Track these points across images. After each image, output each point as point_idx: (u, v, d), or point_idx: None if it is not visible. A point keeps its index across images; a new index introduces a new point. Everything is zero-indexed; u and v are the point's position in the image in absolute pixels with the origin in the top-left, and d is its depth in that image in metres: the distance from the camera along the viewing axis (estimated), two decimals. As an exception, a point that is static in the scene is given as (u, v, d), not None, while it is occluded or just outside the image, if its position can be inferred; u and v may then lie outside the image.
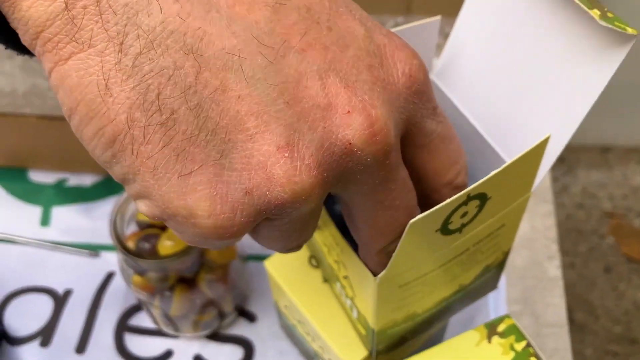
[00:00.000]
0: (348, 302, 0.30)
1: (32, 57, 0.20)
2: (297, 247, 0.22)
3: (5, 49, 0.20)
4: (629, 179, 1.16)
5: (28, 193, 0.49)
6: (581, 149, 1.18)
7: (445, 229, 0.23)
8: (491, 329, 0.29)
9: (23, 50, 0.20)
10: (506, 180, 0.23)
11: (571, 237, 1.11)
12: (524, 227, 0.46)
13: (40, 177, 0.50)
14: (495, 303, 0.43)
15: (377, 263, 0.24)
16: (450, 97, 0.29)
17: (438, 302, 0.29)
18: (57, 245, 0.46)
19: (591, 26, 0.23)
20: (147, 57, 0.17)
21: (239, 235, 0.19)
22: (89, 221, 0.48)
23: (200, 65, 0.17)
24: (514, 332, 0.29)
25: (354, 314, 0.30)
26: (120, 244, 0.36)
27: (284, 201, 0.18)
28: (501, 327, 0.30)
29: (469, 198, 0.22)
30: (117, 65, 0.17)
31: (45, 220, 0.48)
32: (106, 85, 0.17)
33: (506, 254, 0.30)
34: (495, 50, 0.27)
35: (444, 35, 0.46)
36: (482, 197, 0.23)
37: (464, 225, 0.24)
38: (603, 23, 0.22)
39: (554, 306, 0.43)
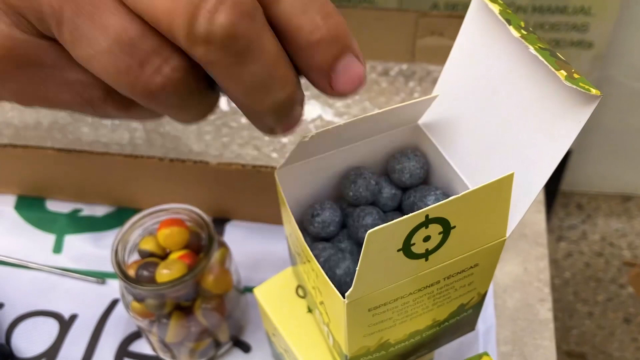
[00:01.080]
0: (325, 329, 0.31)
1: None
2: (195, 118, 0.24)
3: None
4: (649, 228, 1.15)
5: (44, 221, 0.52)
6: (601, 197, 1.17)
7: (408, 251, 0.24)
8: (469, 365, 0.30)
9: None
10: (470, 210, 0.24)
11: (590, 286, 1.10)
12: (517, 269, 0.47)
13: (57, 206, 0.53)
14: (485, 342, 0.43)
15: (265, 124, 0.24)
16: (435, 144, 0.31)
17: (411, 334, 0.30)
18: (66, 271, 0.48)
19: (561, 85, 0.24)
20: None
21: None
22: (98, 250, 0.50)
23: None
24: (492, 369, 0.30)
25: (330, 341, 0.31)
26: (120, 270, 0.38)
27: None
28: (479, 364, 0.31)
29: (428, 220, 0.23)
30: None
31: (57, 248, 0.50)
32: None
33: (483, 297, 0.31)
34: (476, 103, 0.29)
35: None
36: (444, 223, 0.24)
37: (429, 252, 0.25)
38: (568, 83, 0.23)
39: (544, 348, 0.43)
